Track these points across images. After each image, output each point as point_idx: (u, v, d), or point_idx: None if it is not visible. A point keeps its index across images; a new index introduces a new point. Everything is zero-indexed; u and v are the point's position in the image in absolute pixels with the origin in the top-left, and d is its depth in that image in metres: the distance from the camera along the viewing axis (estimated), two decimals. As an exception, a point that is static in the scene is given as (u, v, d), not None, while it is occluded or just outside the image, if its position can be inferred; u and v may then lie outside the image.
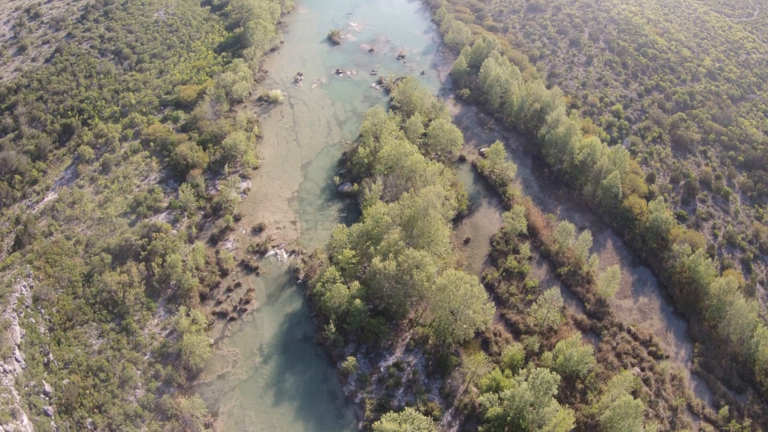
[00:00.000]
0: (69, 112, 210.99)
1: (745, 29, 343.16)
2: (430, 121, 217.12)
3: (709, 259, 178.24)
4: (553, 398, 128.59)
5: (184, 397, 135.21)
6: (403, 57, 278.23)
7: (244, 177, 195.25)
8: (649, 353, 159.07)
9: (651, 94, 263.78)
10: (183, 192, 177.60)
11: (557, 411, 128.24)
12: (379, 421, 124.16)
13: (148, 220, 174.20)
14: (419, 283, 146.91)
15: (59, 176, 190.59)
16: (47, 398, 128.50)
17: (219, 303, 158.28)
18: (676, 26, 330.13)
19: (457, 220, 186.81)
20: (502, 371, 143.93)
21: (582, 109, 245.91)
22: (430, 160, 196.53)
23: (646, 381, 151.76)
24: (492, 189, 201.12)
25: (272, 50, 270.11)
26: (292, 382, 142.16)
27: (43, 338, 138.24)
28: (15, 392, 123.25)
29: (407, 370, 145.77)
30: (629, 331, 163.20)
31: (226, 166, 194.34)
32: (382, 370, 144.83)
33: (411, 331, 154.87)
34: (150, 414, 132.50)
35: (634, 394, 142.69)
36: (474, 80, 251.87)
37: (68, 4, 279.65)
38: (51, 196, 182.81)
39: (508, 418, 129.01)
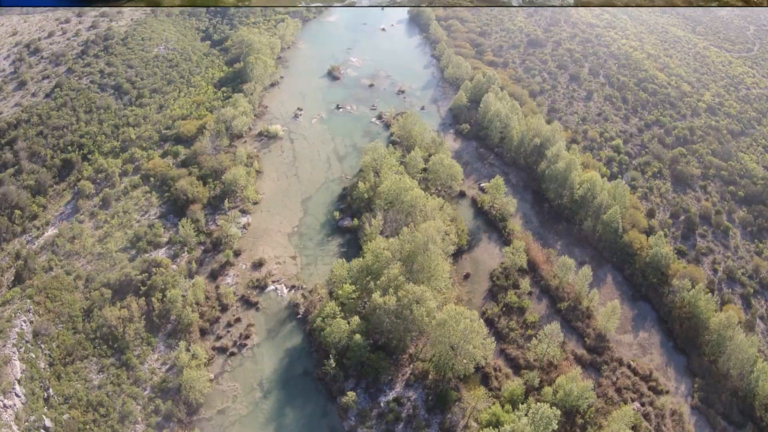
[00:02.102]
0: (69, 147, 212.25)
1: (745, 64, 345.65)
2: (430, 156, 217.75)
3: (709, 294, 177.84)
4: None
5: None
6: (403, 92, 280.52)
7: (244, 212, 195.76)
8: (649, 388, 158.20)
9: (651, 129, 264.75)
10: (183, 227, 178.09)
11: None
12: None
13: (148, 255, 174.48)
14: (419, 318, 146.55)
15: (59, 211, 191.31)
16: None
17: (219, 338, 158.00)
18: (676, 61, 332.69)
19: (457, 255, 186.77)
20: (502, 406, 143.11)
21: (582, 144, 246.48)
22: (430, 195, 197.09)
23: (646, 416, 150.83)
24: (492, 224, 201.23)
25: (272, 85, 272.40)
26: (292, 417, 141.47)
27: (43, 373, 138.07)
28: (15, 427, 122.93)
29: (407, 405, 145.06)
30: (629, 366, 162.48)
31: (226, 201, 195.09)
32: (382, 405, 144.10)
33: (411, 366, 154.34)
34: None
35: (635, 429, 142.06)
36: (474, 115, 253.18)
37: (68, 39, 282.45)
38: (51, 231, 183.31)
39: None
